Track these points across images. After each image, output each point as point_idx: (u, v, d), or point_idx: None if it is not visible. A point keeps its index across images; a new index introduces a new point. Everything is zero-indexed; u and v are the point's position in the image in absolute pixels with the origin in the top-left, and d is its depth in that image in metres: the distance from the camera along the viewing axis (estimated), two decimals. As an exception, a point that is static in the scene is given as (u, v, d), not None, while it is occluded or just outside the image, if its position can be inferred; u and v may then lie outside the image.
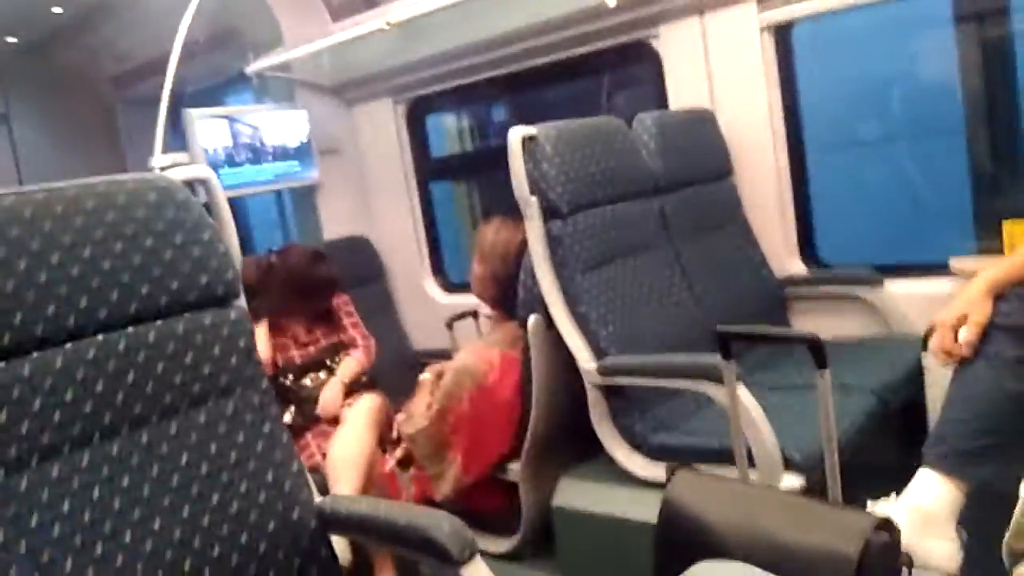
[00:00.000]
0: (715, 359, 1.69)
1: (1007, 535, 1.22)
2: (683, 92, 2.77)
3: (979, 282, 1.58)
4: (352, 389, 2.74)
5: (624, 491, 2.05)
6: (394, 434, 2.48)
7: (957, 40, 2.51)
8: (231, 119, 3.41)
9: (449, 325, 3.18)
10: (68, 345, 1.21)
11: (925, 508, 1.48)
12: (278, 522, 1.37)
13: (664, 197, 2.46)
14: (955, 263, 2.33)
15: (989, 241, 2.38)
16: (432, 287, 3.75)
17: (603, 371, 2.03)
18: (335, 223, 3.78)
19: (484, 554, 1.24)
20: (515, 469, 2.32)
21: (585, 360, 2.08)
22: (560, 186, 2.11)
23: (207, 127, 3.33)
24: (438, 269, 3.79)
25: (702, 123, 2.67)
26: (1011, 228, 2.24)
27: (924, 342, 2.15)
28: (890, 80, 3.23)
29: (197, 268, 1.35)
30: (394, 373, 3.21)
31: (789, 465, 1.75)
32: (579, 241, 2.12)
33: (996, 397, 1.49)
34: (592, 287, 2.12)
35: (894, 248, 2.69)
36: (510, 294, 2.33)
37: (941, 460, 1.52)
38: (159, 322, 1.31)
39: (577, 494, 2.15)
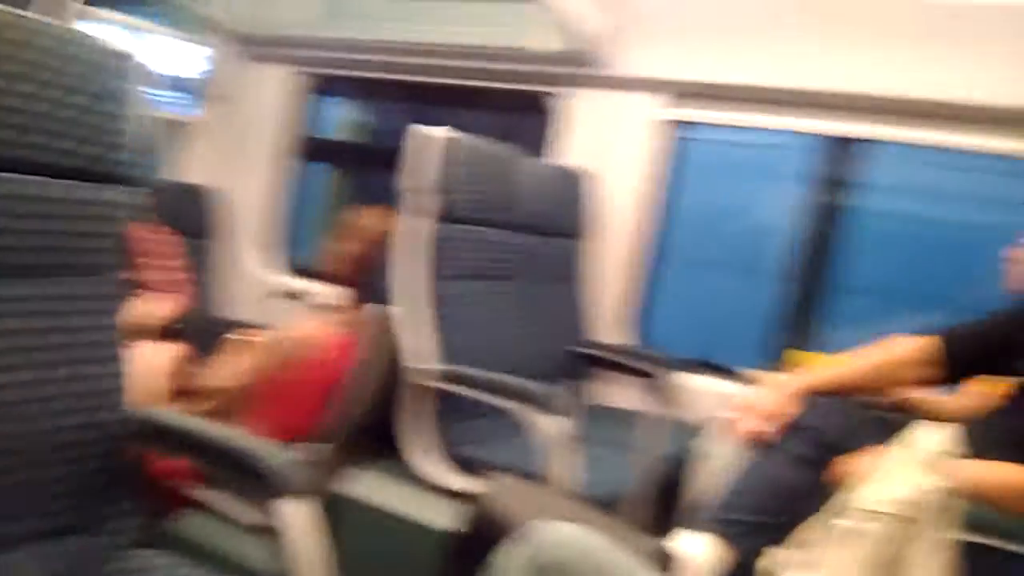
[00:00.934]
0: (550, 389, 1.85)
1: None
2: (572, 151, 2.99)
3: (790, 383, 1.82)
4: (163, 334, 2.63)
5: (415, 494, 2.11)
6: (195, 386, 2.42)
7: (801, 199, 2.91)
8: (133, 30, 3.25)
9: (273, 302, 3.15)
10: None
11: (699, 562, 1.65)
12: (86, 418, 1.33)
13: (532, 238, 2.63)
14: (744, 372, 2.65)
15: (777, 361, 2.73)
16: (267, 261, 3.69)
17: (445, 376, 2.11)
18: (197, 170, 3.64)
19: (235, 523, 1.26)
20: (310, 449, 2.33)
21: (425, 361, 2.15)
22: (463, 193, 2.22)
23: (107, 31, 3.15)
24: (281, 246, 3.73)
25: (578, 183, 2.88)
26: (792, 355, 2.64)
27: (701, 431, 2.44)
28: (738, 215, 3.65)
29: (97, 137, 1.30)
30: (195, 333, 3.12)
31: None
32: (461, 249, 2.24)
33: (779, 485, 1.70)
34: (457, 296, 2.22)
35: (700, 349, 3.02)
36: (368, 280, 2.38)
37: (720, 526, 1.69)
38: (43, 178, 1.25)
39: (365, 487, 2.18)
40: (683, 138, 2.98)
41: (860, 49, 2.56)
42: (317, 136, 3.80)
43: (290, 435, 2.31)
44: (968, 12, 2.40)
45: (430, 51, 3.18)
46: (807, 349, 2.73)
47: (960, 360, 1.79)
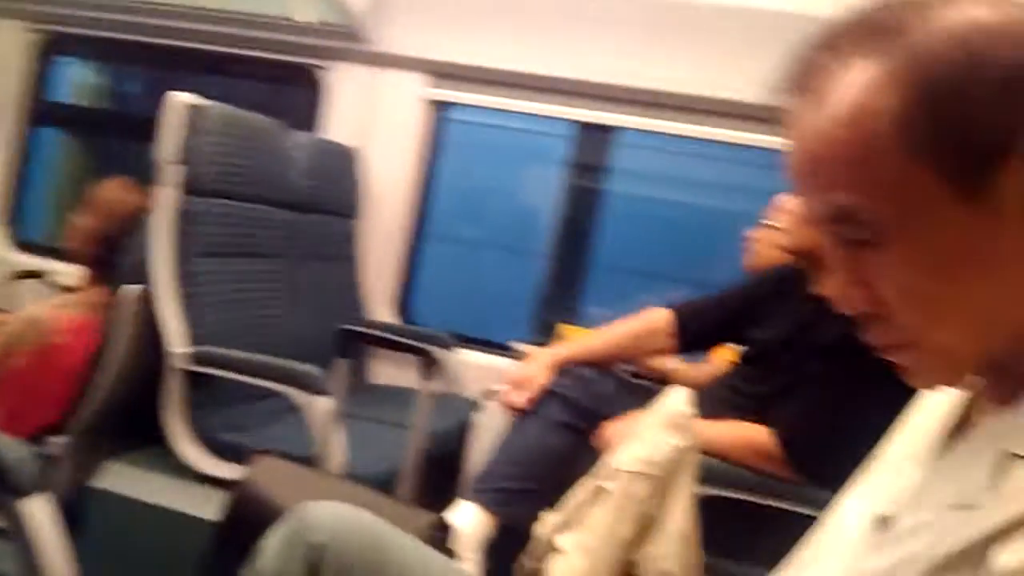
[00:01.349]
0: (313, 369, 1.81)
1: (523, 557, 1.47)
2: (339, 127, 2.92)
3: (547, 354, 1.92)
4: None
5: (179, 484, 2.00)
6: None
7: (562, 181, 3.06)
8: None
9: (8, 283, 2.84)
10: None
11: (463, 530, 1.70)
12: None
13: (300, 215, 2.54)
14: (515, 345, 2.74)
15: (545, 336, 2.85)
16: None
17: (198, 358, 2.00)
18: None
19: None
20: (57, 443, 2.12)
21: (177, 343, 2.02)
22: (213, 164, 2.09)
23: None
24: (13, 220, 3.35)
25: (350, 161, 2.83)
26: (564, 329, 2.74)
27: (476, 404, 2.53)
28: (503, 195, 3.77)
29: None
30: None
31: (351, 479, 1.88)
32: (211, 225, 2.11)
33: (540, 451, 1.79)
34: (209, 273, 2.10)
35: (468, 325, 3.09)
36: (110, 257, 2.19)
37: (483, 495, 1.77)
38: None
39: (124, 479, 2.03)
40: (447, 119, 3.02)
41: (606, 41, 2.72)
42: (53, 100, 3.44)
43: (31, 428, 2.09)
44: (706, 11, 2.60)
45: (182, 13, 2.97)
46: (574, 324, 2.87)
47: (692, 331, 1.96)
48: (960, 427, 0.61)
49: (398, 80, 2.89)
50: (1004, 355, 0.55)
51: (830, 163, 0.54)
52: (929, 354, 0.55)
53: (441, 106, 2.97)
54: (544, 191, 3.19)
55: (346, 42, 2.87)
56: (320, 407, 1.78)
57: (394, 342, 2.44)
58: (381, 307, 2.96)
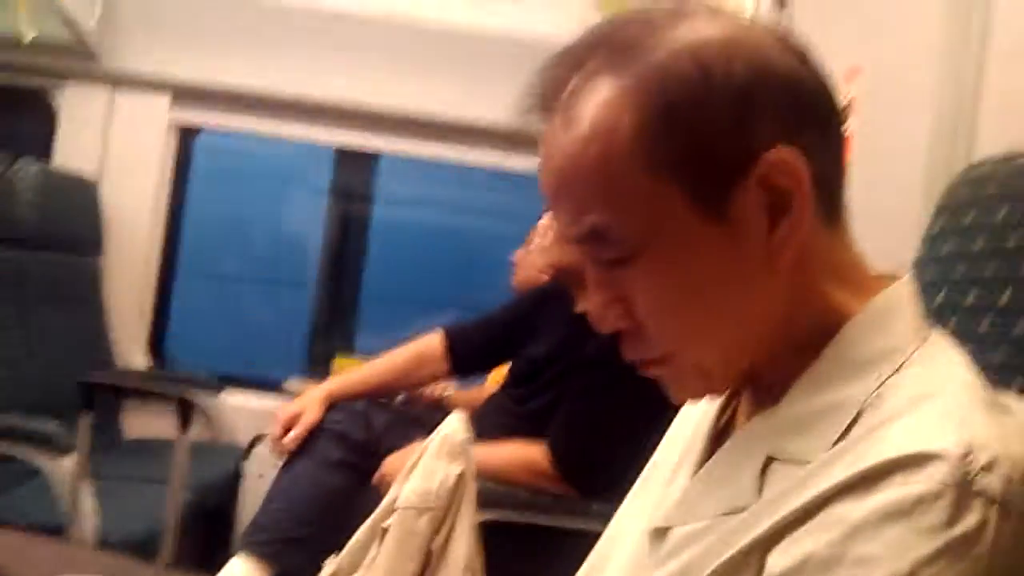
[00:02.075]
0: (52, 426, 1.61)
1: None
2: (74, 155, 2.67)
3: (316, 391, 1.83)
4: None
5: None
6: None
7: (327, 211, 2.99)
8: None
9: None
10: None
11: None
12: None
13: (29, 253, 2.29)
14: (288, 384, 2.62)
15: (321, 370, 2.74)
16: None
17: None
18: None
19: None
20: None
21: None
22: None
23: None
24: None
25: (86, 193, 2.58)
26: (340, 362, 2.65)
27: (247, 451, 2.37)
28: (264, 227, 3.61)
29: None
30: None
31: (105, 545, 1.70)
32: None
33: (316, 493, 1.70)
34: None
35: (235, 365, 2.93)
36: None
37: (256, 547, 1.65)
38: None
39: None
40: (196, 144, 2.86)
41: (363, 65, 2.69)
42: None
43: None
44: (462, 37, 2.65)
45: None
46: (349, 356, 2.78)
47: (462, 354, 1.95)
48: (723, 434, 0.62)
49: (139, 102, 2.69)
50: (758, 366, 0.56)
51: (576, 183, 0.54)
52: (684, 370, 0.56)
53: (189, 131, 2.80)
54: (309, 220, 3.10)
55: (78, 61, 2.62)
56: (63, 468, 1.58)
57: (149, 390, 2.23)
58: (134, 352, 2.72)
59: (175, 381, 2.47)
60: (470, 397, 2.24)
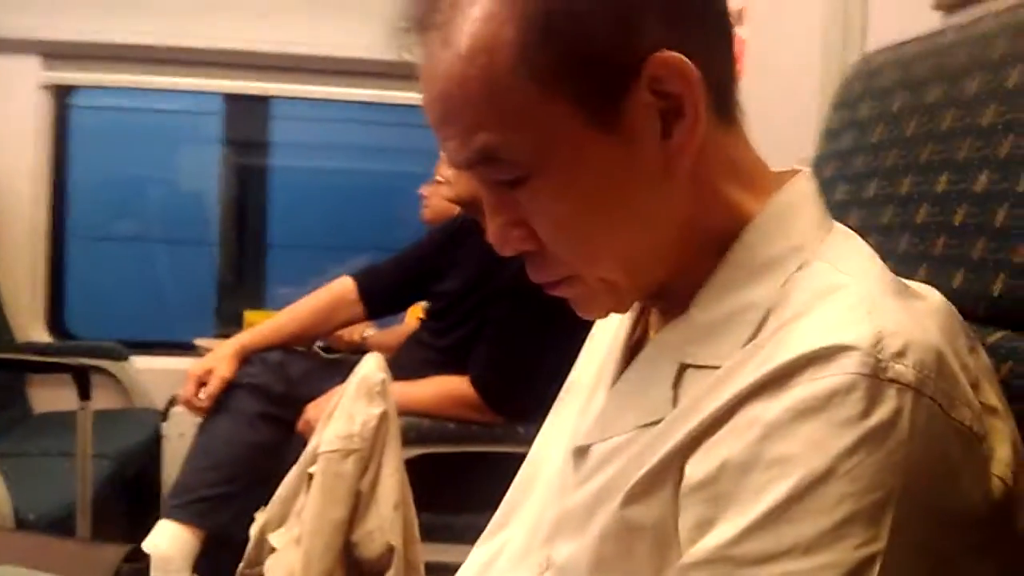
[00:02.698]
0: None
1: (240, 566, 1.36)
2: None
3: (228, 344, 1.78)
4: None
5: None
6: None
7: (221, 162, 2.87)
8: None
9: None
10: None
11: (163, 554, 1.54)
12: None
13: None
14: (199, 342, 2.55)
15: (232, 327, 2.67)
16: None
17: None
18: None
19: None
20: None
21: None
22: None
23: None
24: None
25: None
26: (251, 317, 2.58)
27: (164, 413, 2.31)
28: (158, 185, 3.46)
29: None
30: None
31: (24, 525, 1.63)
32: None
33: (236, 449, 1.66)
34: None
35: (145, 330, 2.83)
36: None
37: (180, 510, 1.61)
38: None
39: None
40: (74, 105, 2.69)
41: (239, 6, 2.56)
42: None
43: None
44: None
45: None
46: (261, 309, 2.72)
47: (376, 295, 1.93)
48: (637, 347, 0.61)
49: (7, 65, 2.51)
50: (664, 276, 0.56)
51: (461, 104, 0.51)
52: (591, 287, 0.55)
53: (64, 91, 2.63)
54: (204, 174, 2.98)
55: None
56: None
57: (52, 363, 2.14)
58: (33, 326, 2.59)
59: (75, 352, 2.37)
60: (389, 337, 2.22)
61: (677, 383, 0.52)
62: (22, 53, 2.52)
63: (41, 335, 2.62)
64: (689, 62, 0.50)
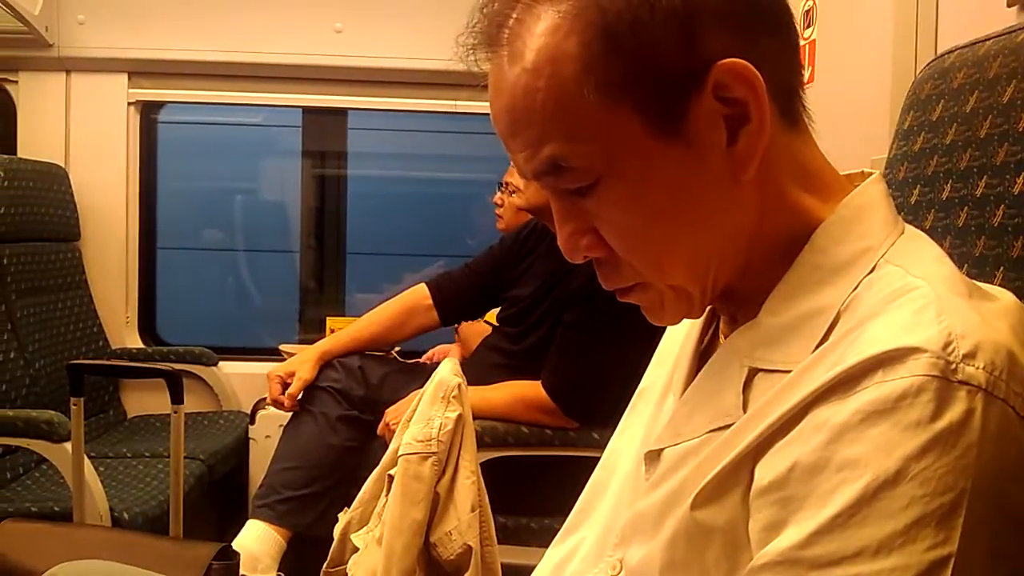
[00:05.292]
0: (50, 414, 1.63)
1: (324, 566, 1.40)
2: (37, 143, 2.62)
3: (310, 350, 1.85)
4: None
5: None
6: None
7: (302, 172, 2.96)
8: None
9: None
10: None
11: (251, 552, 1.60)
12: None
13: (5, 246, 2.25)
14: (284, 347, 2.63)
15: (315, 333, 2.75)
16: None
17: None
18: None
19: None
20: None
21: None
22: None
23: None
24: None
25: (54, 180, 2.54)
26: (332, 323, 2.66)
27: (251, 416, 2.40)
28: (242, 196, 3.58)
29: None
30: None
31: (118, 524, 1.72)
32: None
33: (319, 451, 1.72)
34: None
35: (232, 336, 2.94)
36: None
37: (267, 510, 1.68)
38: None
39: None
40: (162, 121, 2.81)
41: (315, 23, 2.64)
42: None
43: None
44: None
45: None
46: (341, 315, 2.79)
47: (450, 302, 1.97)
48: (707, 352, 0.62)
49: (96, 84, 2.65)
50: (734, 281, 0.56)
51: (529, 116, 0.52)
52: (661, 293, 0.56)
53: (151, 106, 2.75)
54: (286, 184, 3.07)
55: (29, 50, 2.56)
56: (65, 454, 1.59)
57: (147, 368, 2.24)
58: (129, 331, 2.72)
59: (166, 358, 2.47)
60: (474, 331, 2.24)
61: (747, 387, 0.53)
62: (111, 71, 2.64)
63: (134, 341, 2.73)
64: (753, 68, 0.50)
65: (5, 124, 2.65)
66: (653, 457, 0.59)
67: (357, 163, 3.05)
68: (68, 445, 1.62)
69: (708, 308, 0.61)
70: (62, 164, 2.60)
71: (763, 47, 0.52)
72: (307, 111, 2.89)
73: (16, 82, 2.63)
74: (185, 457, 2.06)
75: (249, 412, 2.47)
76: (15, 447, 1.88)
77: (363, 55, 2.64)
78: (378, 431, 1.69)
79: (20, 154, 2.60)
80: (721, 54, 0.50)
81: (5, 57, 2.58)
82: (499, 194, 2.27)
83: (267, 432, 2.29)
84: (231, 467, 2.30)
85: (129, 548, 1.19)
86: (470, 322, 2.20)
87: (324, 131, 2.94)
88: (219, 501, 2.31)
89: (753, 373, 0.53)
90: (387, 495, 1.15)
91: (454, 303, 1.96)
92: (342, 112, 2.88)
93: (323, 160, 3.03)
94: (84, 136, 2.65)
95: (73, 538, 1.21)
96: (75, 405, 1.53)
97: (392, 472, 1.16)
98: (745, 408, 0.52)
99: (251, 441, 2.34)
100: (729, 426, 0.52)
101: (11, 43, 2.53)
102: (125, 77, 2.66)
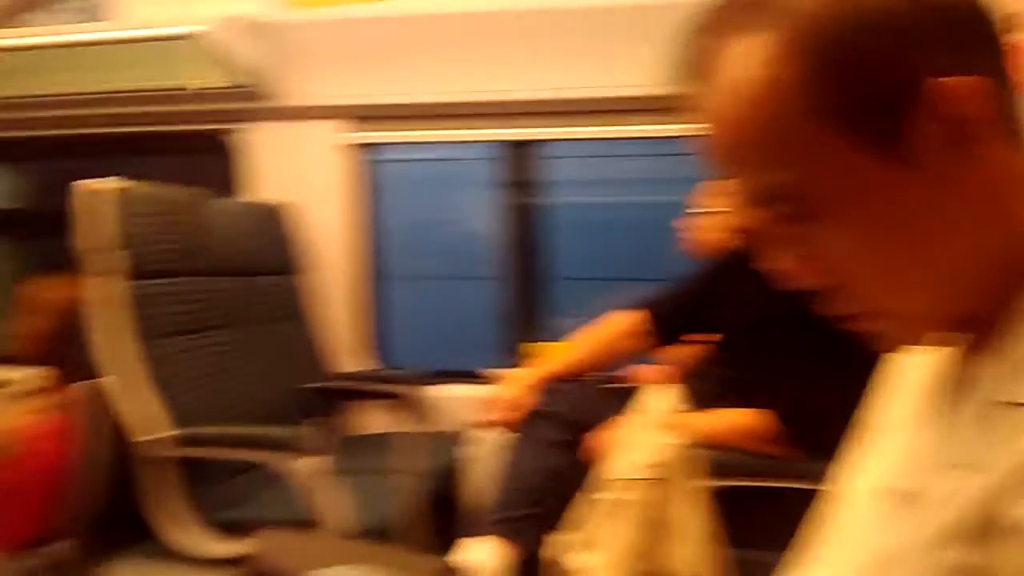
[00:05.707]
0: (294, 432, 1.79)
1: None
2: (262, 186, 2.90)
3: (527, 376, 1.93)
4: None
5: (181, 571, 1.94)
6: None
7: (497, 200, 3.07)
8: None
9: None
10: None
11: (482, 566, 1.68)
12: None
13: (242, 280, 2.51)
14: (490, 372, 2.74)
15: (515, 357, 2.85)
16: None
17: (181, 441, 1.95)
18: None
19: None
20: (45, 553, 2.06)
21: (152, 430, 1.98)
22: (153, 243, 2.06)
23: None
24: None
25: (280, 218, 2.79)
26: (531, 348, 2.79)
27: (460, 437, 2.51)
28: (444, 225, 3.78)
29: None
30: None
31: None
32: (162, 304, 2.08)
33: (540, 474, 1.78)
34: (171, 354, 2.07)
35: (436, 359, 3.08)
36: (64, 354, 2.15)
37: (497, 526, 1.75)
38: None
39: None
40: (374, 159, 3.01)
41: (522, 58, 2.75)
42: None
43: (13, 542, 2.03)
44: (595, 13, 2.65)
45: (86, 101, 2.93)
46: (539, 340, 2.87)
47: (667, 324, 1.97)
48: (950, 383, 0.58)
49: (314, 129, 2.88)
50: (967, 307, 0.54)
51: (746, 145, 0.52)
52: (895, 319, 0.55)
53: (364, 148, 2.96)
54: (487, 214, 3.20)
55: (254, 102, 2.84)
56: (307, 468, 1.76)
57: (364, 390, 2.42)
58: (347, 356, 2.94)
59: (389, 380, 2.63)
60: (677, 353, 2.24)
61: (989, 421, 0.51)
62: (325, 118, 2.88)
63: (356, 364, 2.93)
64: (973, 85, 0.49)
65: (227, 169, 2.94)
66: (891, 493, 0.58)
67: (556, 190, 3.12)
68: (304, 460, 1.78)
69: (940, 336, 0.58)
70: (287, 203, 2.85)
71: (979, 62, 0.51)
72: (504, 144, 3.00)
73: (238, 132, 2.92)
74: (406, 474, 2.20)
75: (457, 433, 2.58)
76: (252, 463, 2.05)
77: (561, 87, 2.73)
78: (582, 455, 1.73)
79: (243, 196, 2.89)
80: (940, 72, 0.49)
81: (225, 110, 2.88)
82: (692, 217, 2.26)
83: (478, 452, 2.39)
84: (440, 486, 2.41)
85: (371, 557, 1.29)
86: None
87: (523, 161, 3.05)
88: (432, 519, 2.43)
89: (996, 406, 0.51)
90: (609, 520, 1.20)
91: (665, 327, 1.97)
92: (539, 143, 2.98)
93: (522, 189, 3.12)
94: (302, 177, 2.90)
95: (323, 546, 1.34)
96: (307, 424, 1.68)
97: (610, 496, 1.21)
98: (989, 444, 0.50)
99: (462, 461, 2.45)
100: (971, 462, 0.50)
101: (231, 97, 2.82)
102: (340, 122, 2.89)
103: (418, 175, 3.60)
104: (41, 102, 2.98)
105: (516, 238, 3.10)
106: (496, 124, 2.88)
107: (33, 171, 3.72)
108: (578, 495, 1.43)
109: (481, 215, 3.28)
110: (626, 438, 1.32)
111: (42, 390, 2.29)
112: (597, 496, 1.28)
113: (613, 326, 2.00)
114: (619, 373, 2.25)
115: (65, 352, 2.16)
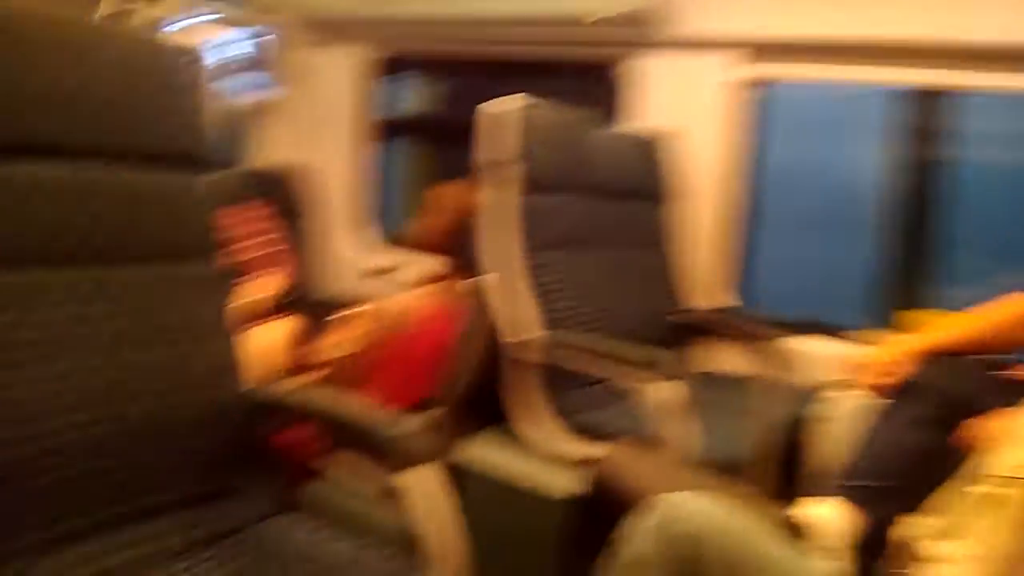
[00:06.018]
0: (663, 354, 1.85)
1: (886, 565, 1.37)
2: (649, 115, 2.93)
3: (909, 343, 1.80)
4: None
5: (529, 461, 2.10)
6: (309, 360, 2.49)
7: (894, 153, 2.82)
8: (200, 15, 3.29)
9: (368, 278, 3.22)
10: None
11: (833, 525, 1.63)
12: (207, 394, 1.40)
13: (618, 204, 2.60)
14: (858, 334, 2.58)
15: (883, 320, 2.64)
16: (358, 238, 3.74)
17: (549, 345, 2.11)
18: (276, 153, 3.68)
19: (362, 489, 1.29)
20: (422, 415, 2.36)
21: (523, 331, 2.15)
22: (547, 161, 2.21)
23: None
24: (370, 223, 3.78)
25: (658, 147, 2.82)
26: (903, 315, 2.57)
27: (814, 394, 2.41)
28: (829, 171, 3.55)
29: (180, 128, 1.39)
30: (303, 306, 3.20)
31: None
32: (549, 218, 2.23)
33: (904, 448, 1.69)
34: (550, 264, 2.22)
35: (803, 311, 2.96)
36: (459, 251, 2.41)
37: (850, 491, 1.69)
38: (132, 165, 1.33)
39: (478, 456, 2.18)
40: (763, 96, 2.90)
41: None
42: (391, 114, 3.81)
43: (403, 403, 2.37)
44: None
45: (496, 24, 3.15)
46: (917, 308, 2.63)
47: None
48: None
49: (707, 62, 2.83)
50: None
51: None
52: None
53: (756, 83, 2.86)
54: (877, 164, 2.95)
55: (649, 30, 2.85)
56: (666, 392, 1.81)
57: (725, 329, 2.41)
58: (706, 293, 2.93)
59: (751, 323, 2.58)
60: None
61: None
62: (719, 51, 2.81)
63: (715, 300, 2.91)
64: None
65: (611, 95, 3.00)
66: None
67: (963, 144, 2.78)
68: (671, 384, 1.82)
69: None
70: (666, 133, 2.85)
71: None
72: (910, 90, 2.73)
73: (624, 61, 2.96)
74: (757, 419, 2.17)
75: (811, 387, 2.47)
76: (603, 377, 2.13)
77: (983, 30, 2.41)
78: (956, 439, 1.58)
79: (625, 123, 2.94)
80: None
81: (621, 38, 2.91)
82: None
83: (832, 412, 2.29)
84: (781, 439, 2.34)
85: (719, 491, 1.31)
86: None
87: (923, 108, 2.75)
88: (775, 470, 2.38)
89: None
90: (983, 514, 1.09)
91: None
92: (947, 93, 2.66)
93: (922, 139, 2.83)
94: (687, 109, 2.88)
95: (672, 469, 1.38)
96: (676, 353, 1.71)
97: (993, 491, 1.09)
98: None
99: (808, 419, 2.35)
100: None
101: (627, 23, 2.82)
102: (734, 55, 2.81)
103: (808, 116, 3.42)
104: (459, 21, 3.27)
105: (910, 193, 2.83)
106: (904, 67, 2.63)
107: (448, 84, 4.16)
108: (942, 480, 1.31)
109: (871, 164, 3.04)
110: (1015, 433, 1.18)
111: (437, 278, 2.61)
112: (968, 487, 1.17)
113: (1014, 307, 1.78)
114: (1012, 362, 1.99)
115: (459, 250, 2.42)
